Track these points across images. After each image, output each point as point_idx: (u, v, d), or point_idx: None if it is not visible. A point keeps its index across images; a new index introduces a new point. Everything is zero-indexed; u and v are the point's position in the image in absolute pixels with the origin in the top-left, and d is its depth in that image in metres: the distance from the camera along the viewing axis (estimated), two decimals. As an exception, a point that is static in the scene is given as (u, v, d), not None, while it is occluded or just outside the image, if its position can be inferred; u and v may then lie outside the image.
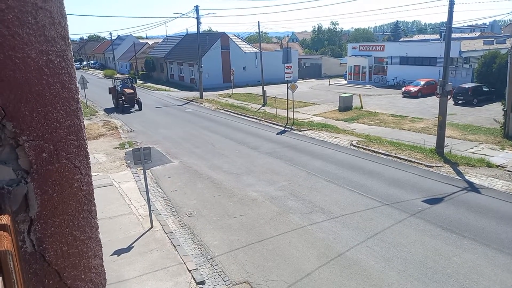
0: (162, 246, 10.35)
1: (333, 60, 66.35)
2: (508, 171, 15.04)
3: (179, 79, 55.37)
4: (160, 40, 71.28)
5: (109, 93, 33.99)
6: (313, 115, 28.66)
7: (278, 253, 9.84)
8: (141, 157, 11.01)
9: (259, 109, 32.16)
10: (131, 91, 31.73)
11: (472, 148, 18.34)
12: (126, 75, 36.70)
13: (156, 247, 10.30)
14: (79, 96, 1.26)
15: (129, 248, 10.25)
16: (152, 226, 11.36)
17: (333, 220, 11.45)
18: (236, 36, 56.02)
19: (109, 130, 24.74)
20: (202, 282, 8.79)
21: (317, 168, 16.21)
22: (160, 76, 59.77)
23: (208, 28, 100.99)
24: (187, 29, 60.58)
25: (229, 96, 40.09)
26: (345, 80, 51.09)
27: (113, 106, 33.24)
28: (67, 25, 1.16)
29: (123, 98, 31.42)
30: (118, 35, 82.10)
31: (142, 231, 11.17)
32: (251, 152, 19.16)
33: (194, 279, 8.88)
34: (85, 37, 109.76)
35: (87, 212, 1.31)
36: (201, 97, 39.34)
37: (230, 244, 10.37)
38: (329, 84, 48.36)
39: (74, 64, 1.25)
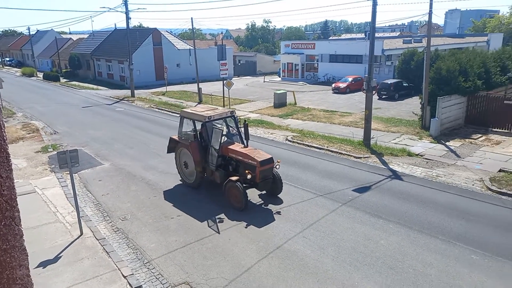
0: (93, 254, 9.75)
1: (267, 57, 67.54)
2: (425, 159, 16.48)
3: (108, 77, 52.60)
4: (85, 36, 67.01)
5: (169, 151, 14.65)
6: (249, 111, 28.92)
7: (217, 250, 9.78)
8: (67, 161, 10.26)
9: (195, 106, 31.64)
10: (265, 156, 12.10)
11: (395, 139, 19.80)
12: (225, 110, 14.18)
13: (87, 255, 9.68)
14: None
15: (57, 258, 9.52)
16: (81, 234, 10.65)
17: (271, 214, 11.65)
18: (168, 32, 54.57)
19: (29, 133, 22.74)
20: (139, 287, 8.44)
21: (254, 164, 16.35)
22: (87, 74, 56.27)
23: (139, 24, 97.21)
24: (115, 24, 57.91)
25: (163, 94, 38.98)
26: (279, 77, 52.29)
27: (182, 181, 14.39)
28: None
29: (247, 173, 11.86)
30: (38, 30, 75.79)
31: (70, 240, 10.43)
32: (187, 150, 18.78)
33: (130, 285, 8.49)
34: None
35: (10, 219, 1.17)
36: (132, 95, 37.76)
37: (167, 245, 10.08)
38: (264, 81, 49.13)
39: None
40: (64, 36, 76.80)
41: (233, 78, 51.06)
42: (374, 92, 19.14)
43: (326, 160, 16.78)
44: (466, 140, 19.01)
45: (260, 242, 10.11)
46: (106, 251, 9.82)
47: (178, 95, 37.99)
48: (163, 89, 41.79)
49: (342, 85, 36.94)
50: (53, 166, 16.17)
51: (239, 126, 13.85)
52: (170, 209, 12.28)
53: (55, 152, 16.68)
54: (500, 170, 14.70)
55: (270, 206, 12.23)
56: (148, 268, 9.17)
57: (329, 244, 9.85)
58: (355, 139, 19.41)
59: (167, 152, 14.85)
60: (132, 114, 29.32)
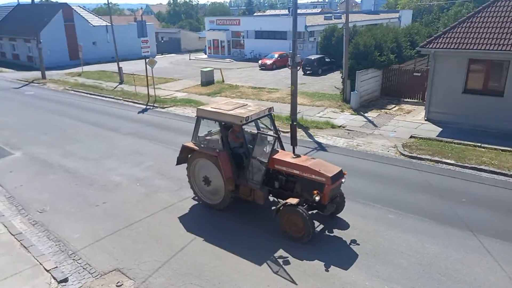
0: (10, 250, 8.91)
1: (192, 34, 65.60)
2: (347, 130, 17.51)
3: (13, 58, 47.31)
4: (-18, 11, 58.93)
5: (179, 163, 11.08)
6: (175, 91, 28.08)
7: (149, 234, 9.52)
8: (-33, 152, 9.06)
9: (115, 87, 29.90)
10: (334, 169, 9.20)
11: (319, 112, 20.68)
12: (260, 106, 10.71)
13: (3, 252, 8.82)
14: None
15: (-36, 260, 8.54)
16: (-7, 231, 9.65)
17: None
18: (81, 7, 50.15)
19: None
20: (65, 280, 7.93)
21: (183, 144, 16.06)
22: (-13, 55, 49.97)
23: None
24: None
25: (79, 75, 36.15)
26: (206, 54, 51.31)
27: (203, 202, 10.89)
28: None
29: (315, 194, 8.73)
30: None
31: (-20, 239, 9.40)
32: (110, 134, 17.79)
33: (54, 278, 7.94)
34: None
35: None
36: (43, 77, 34.44)
37: (94, 234, 9.56)
38: (189, 59, 47.87)
39: None
40: (-46, 10, 66.75)
41: (157, 56, 48.99)
42: (299, 68, 19.62)
43: (255, 136, 17.01)
44: (382, 110, 20.51)
45: (193, 221, 10.04)
46: (24, 246, 9.03)
47: (97, 76, 35.50)
48: (78, 69, 38.69)
49: (268, 61, 37.39)
50: (-48, 159, 14.29)
51: (276, 126, 10.82)
52: (94, 196, 11.60)
53: (-47, 143, 14.75)
54: (411, 137, 16.17)
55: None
56: (73, 260, 8.63)
57: (260, 217, 10.11)
58: (282, 114, 19.90)
59: (177, 164, 11.04)
60: (44, 97, 26.82)
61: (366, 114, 19.81)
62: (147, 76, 25.15)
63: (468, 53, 16.42)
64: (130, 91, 27.75)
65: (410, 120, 18.47)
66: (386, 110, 20.50)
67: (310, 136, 16.75)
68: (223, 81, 30.55)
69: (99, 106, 23.97)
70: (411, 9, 56.74)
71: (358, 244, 8.84)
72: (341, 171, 9.19)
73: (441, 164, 13.32)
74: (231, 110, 9.97)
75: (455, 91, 17.19)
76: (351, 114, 20.09)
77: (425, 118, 18.34)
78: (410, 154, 14.12)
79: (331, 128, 17.76)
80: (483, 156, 13.52)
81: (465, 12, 39.20)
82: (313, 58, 33.63)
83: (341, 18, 44.86)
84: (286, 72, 31.60)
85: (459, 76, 17.01)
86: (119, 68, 32.35)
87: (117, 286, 7.75)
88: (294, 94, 19.23)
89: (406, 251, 8.53)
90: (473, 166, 12.84)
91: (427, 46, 17.46)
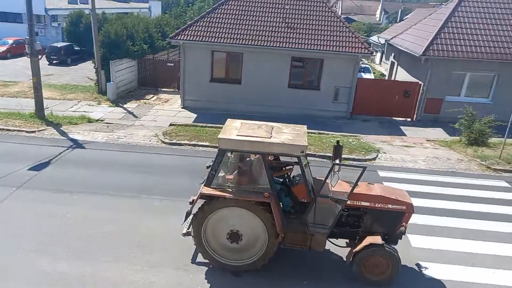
0: None
1: None
2: (106, 123, 16.64)
3: None
4: None
5: (187, 217, 7.69)
6: None
7: None
8: None
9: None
10: (405, 193, 7.96)
11: (72, 107, 18.78)
12: (294, 125, 7.87)
13: None
14: None
15: None
16: None
17: None
18: None
19: None
20: None
21: None
22: None
23: None
24: None
25: None
26: None
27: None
28: None
29: (405, 227, 7.72)
30: None
31: None
32: None
33: None
34: None
35: None
36: None
37: None
38: None
39: None
40: None
41: None
42: (41, 56, 17.08)
43: (-11, 141, 13.87)
44: (141, 101, 20.54)
45: None
46: None
47: None
48: None
49: (1, 48, 31.08)
50: None
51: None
52: None
53: None
54: (170, 124, 16.91)
55: None
56: None
57: (5, 236, 8.35)
58: (25, 111, 17.00)
59: (185, 220, 7.80)
60: None
61: (125, 106, 19.37)
62: None
63: (211, 45, 18.39)
64: None
65: (168, 109, 19.28)
66: (145, 100, 20.65)
67: (63, 133, 15.00)
68: None
69: None
70: (160, 1, 58.67)
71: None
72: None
73: (198, 147, 14.58)
74: (270, 137, 7.37)
75: (203, 80, 19.02)
76: (109, 106, 19.20)
77: (182, 106, 19.56)
78: (171, 141, 14.78)
79: (88, 123, 16.46)
80: (230, 136, 15.62)
81: (207, 8, 43.76)
82: (59, 45, 30.13)
83: (88, 3, 41.66)
84: (25, 61, 26.90)
85: (205, 66, 18.88)
86: None
87: None
88: (37, 87, 16.71)
89: (173, 233, 8.84)
90: (223, 145, 14.68)
91: (176, 38, 18.48)
